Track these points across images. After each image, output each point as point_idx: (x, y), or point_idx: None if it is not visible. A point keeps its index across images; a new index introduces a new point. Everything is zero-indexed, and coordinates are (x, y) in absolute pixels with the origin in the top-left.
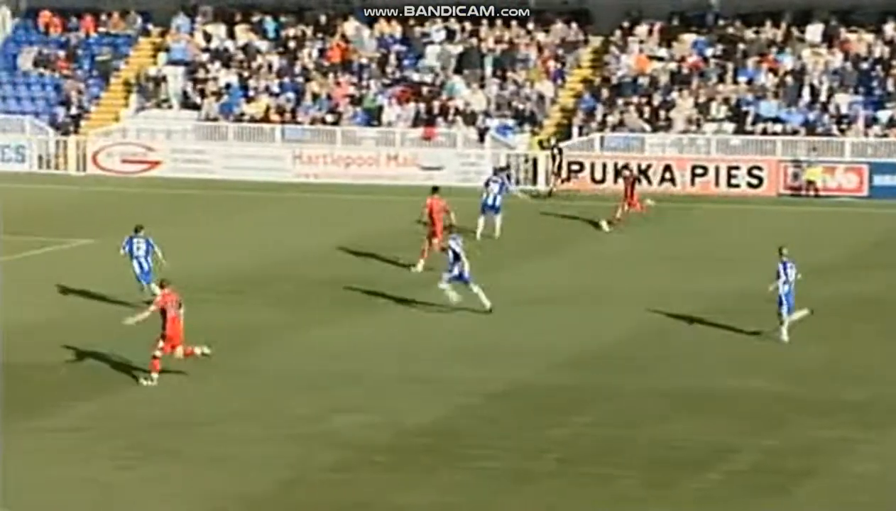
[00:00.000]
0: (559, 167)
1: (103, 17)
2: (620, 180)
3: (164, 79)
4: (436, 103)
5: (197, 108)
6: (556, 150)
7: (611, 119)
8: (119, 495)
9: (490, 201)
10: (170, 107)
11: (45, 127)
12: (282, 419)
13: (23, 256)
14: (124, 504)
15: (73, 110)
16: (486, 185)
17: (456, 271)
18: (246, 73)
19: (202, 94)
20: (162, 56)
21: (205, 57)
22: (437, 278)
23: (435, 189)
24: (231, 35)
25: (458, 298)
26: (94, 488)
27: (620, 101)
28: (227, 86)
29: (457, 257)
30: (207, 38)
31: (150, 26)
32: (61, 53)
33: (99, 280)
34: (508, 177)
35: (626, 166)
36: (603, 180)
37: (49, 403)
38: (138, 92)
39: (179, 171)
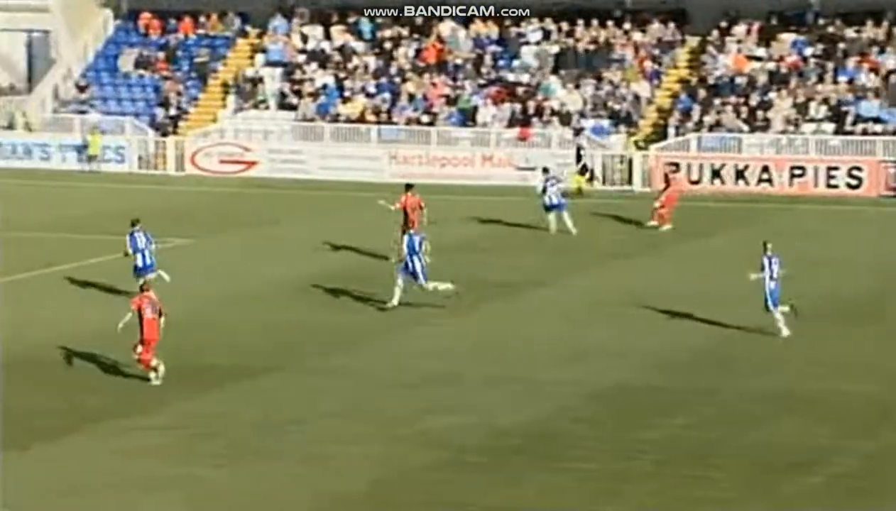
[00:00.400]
0: (583, 167)
1: (202, 19)
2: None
3: (261, 80)
4: (531, 103)
5: (293, 108)
6: (581, 150)
7: (707, 119)
8: (215, 494)
9: (554, 201)
10: (267, 108)
11: (144, 128)
12: (376, 419)
13: (121, 256)
14: (220, 503)
15: (172, 111)
16: (544, 191)
17: (411, 267)
18: (342, 74)
19: (299, 94)
20: (259, 57)
21: (301, 58)
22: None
23: (409, 186)
24: (327, 36)
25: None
26: (191, 486)
27: (717, 102)
28: (324, 86)
29: (415, 253)
30: (304, 39)
31: (247, 28)
32: (161, 55)
33: (196, 280)
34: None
35: (675, 169)
36: (699, 181)
37: (147, 401)
38: (236, 93)
39: (276, 171)
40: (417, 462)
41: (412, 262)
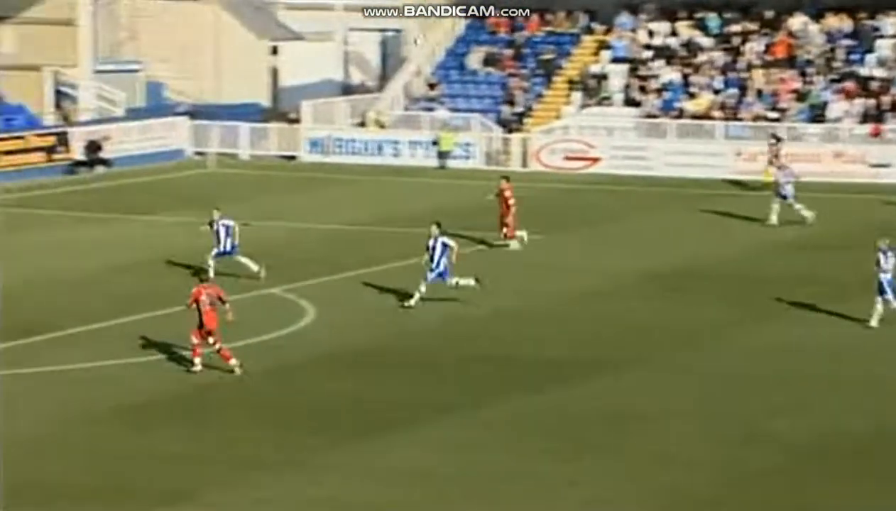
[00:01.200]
0: (777, 156)
1: (548, 17)
2: None
3: (605, 76)
4: (885, 99)
5: (638, 105)
6: (775, 139)
7: None
8: (554, 489)
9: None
10: (611, 104)
11: (491, 124)
12: (721, 419)
13: (470, 251)
14: (558, 498)
15: (518, 108)
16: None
17: (441, 268)
18: (688, 70)
19: (643, 91)
20: (605, 54)
21: (647, 54)
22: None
23: (506, 178)
24: (673, 32)
25: (467, 281)
26: (527, 481)
27: None
28: (669, 83)
29: (442, 253)
30: (650, 35)
31: (593, 24)
32: (507, 52)
33: (540, 274)
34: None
35: None
36: None
37: (488, 395)
38: (581, 89)
39: (619, 167)
40: (762, 465)
41: (439, 262)
